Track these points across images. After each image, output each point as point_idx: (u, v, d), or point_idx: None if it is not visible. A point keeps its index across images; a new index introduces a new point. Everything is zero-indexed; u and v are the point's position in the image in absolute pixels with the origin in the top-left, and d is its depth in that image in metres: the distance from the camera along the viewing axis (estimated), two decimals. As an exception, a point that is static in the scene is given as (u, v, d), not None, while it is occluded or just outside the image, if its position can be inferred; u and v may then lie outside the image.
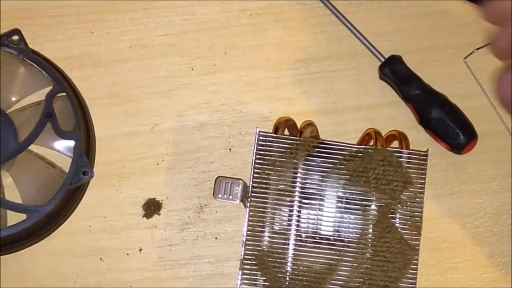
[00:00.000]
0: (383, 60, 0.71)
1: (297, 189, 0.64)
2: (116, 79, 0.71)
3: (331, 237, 0.64)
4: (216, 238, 0.70)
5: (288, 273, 0.63)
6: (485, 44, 0.72)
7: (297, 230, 0.64)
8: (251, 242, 0.63)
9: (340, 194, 0.64)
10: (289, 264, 0.63)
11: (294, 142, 0.64)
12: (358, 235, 0.64)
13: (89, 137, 0.68)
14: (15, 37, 0.66)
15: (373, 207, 0.64)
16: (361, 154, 0.64)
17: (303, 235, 0.64)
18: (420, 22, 0.73)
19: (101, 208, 0.69)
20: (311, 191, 0.64)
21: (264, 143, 0.64)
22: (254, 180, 0.64)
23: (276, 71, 0.71)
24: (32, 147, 0.66)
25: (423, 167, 0.65)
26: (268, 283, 0.63)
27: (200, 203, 0.70)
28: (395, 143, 0.67)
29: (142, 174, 0.70)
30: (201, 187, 0.70)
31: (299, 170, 0.64)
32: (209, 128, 0.71)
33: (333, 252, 0.64)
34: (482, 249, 0.70)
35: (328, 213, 0.64)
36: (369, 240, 0.64)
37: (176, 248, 0.69)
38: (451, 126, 0.68)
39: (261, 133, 0.64)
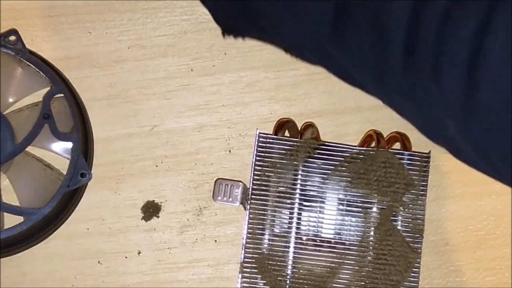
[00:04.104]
0: (384, 60, 0.70)
1: (298, 191, 0.64)
2: (115, 80, 0.70)
3: (332, 240, 0.64)
4: (215, 241, 0.69)
5: (288, 276, 0.63)
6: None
7: (297, 233, 0.63)
8: (251, 245, 0.63)
9: (341, 196, 0.64)
10: (289, 267, 0.63)
11: (295, 143, 0.63)
12: (360, 238, 0.63)
13: (87, 138, 0.68)
14: (12, 38, 0.66)
15: (374, 209, 0.63)
16: (362, 156, 0.63)
17: (304, 237, 0.64)
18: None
19: (99, 211, 0.69)
20: (311, 193, 0.64)
21: (264, 144, 0.64)
22: (254, 182, 0.63)
23: (276, 72, 0.71)
24: (30, 149, 0.65)
25: (425, 169, 0.64)
26: (268, 287, 0.62)
27: (199, 206, 0.69)
28: (397, 145, 0.66)
29: (140, 176, 0.69)
30: (200, 189, 0.69)
31: (300, 172, 0.64)
32: (209, 129, 0.70)
33: (334, 255, 0.63)
34: (485, 252, 0.70)
35: (329, 215, 0.64)
36: (371, 243, 0.63)
37: (175, 251, 0.69)
38: (453, 128, 0.67)
39: (261, 134, 0.64)
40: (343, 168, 0.63)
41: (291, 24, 0.53)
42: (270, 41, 0.60)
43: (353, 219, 0.64)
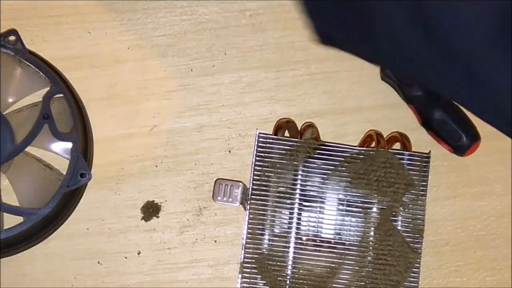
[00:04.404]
0: (384, 60, 0.70)
1: (298, 191, 0.64)
2: (114, 80, 0.70)
3: (332, 240, 0.64)
4: (215, 241, 0.69)
5: (288, 277, 0.63)
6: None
7: (297, 233, 0.63)
8: (251, 245, 0.63)
9: (341, 196, 0.64)
10: (289, 267, 0.63)
11: (295, 144, 0.63)
12: (360, 238, 0.63)
13: (87, 139, 0.68)
14: (12, 38, 0.66)
15: (374, 209, 0.63)
16: (362, 156, 0.63)
17: (304, 238, 0.64)
18: (422, 22, 0.72)
19: (99, 211, 0.69)
20: (311, 193, 0.64)
21: (264, 145, 0.64)
22: (254, 182, 0.63)
23: (276, 72, 0.71)
24: (29, 149, 0.65)
25: (425, 169, 0.64)
26: (268, 287, 0.62)
27: (199, 206, 0.69)
28: (397, 145, 0.66)
29: (140, 176, 0.69)
30: (200, 190, 0.69)
31: (300, 172, 0.63)
32: (209, 129, 0.70)
33: (334, 255, 0.63)
34: (485, 252, 0.69)
35: (329, 215, 0.64)
36: (371, 243, 0.63)
37: (175, 251, 0.69)
38: (453, 128, 0.67)
39: (261, 134, 0.64)
40: (343, 168, 0.63)
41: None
42: (378, 54, 0.51)
43: (353, 219, 0.64)
